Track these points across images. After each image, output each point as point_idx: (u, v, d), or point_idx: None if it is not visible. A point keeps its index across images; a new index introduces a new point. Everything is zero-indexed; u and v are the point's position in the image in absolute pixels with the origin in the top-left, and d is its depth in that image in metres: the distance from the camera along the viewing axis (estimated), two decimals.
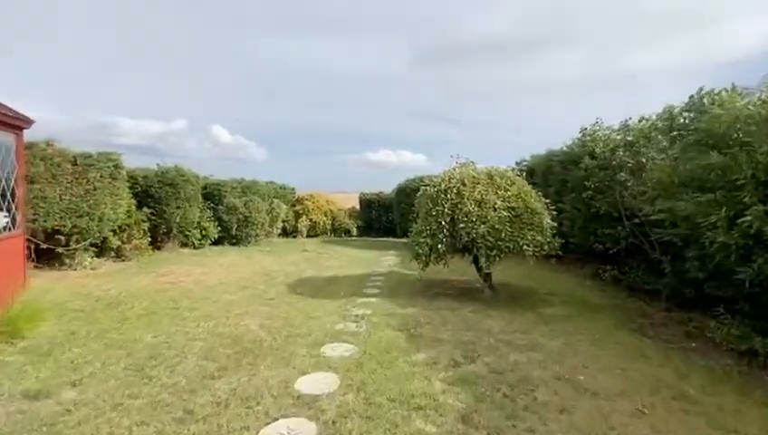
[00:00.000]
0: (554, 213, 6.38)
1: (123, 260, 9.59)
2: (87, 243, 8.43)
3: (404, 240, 13.79)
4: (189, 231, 11.97)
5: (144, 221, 10.35)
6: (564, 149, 10.08)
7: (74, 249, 8.31)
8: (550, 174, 9.93)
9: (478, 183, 6.06)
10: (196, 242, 12.37)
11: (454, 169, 6.41)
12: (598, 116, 7.71)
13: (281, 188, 16.84)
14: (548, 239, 5.95)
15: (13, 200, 5.40)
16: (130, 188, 10.32)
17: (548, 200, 6.44)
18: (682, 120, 5.28)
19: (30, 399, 2.89)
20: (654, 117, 6.37)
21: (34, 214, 7.26)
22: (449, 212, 5.85)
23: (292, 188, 17.73)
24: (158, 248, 11.33)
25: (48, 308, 5.04)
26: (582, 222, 8.29)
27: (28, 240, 6.91)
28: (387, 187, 17.65)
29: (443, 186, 6.05)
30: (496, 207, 5.76)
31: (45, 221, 7.41)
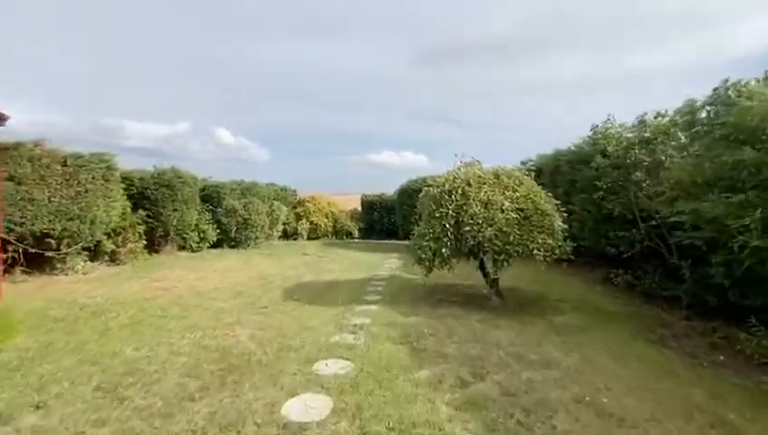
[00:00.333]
0: (564, 214, 6.01)
1: (117, 264, 9.31)
2: (78, 247, 8.15)
3: (406, 242, 13.43)
4: (187, 234, 11.69)
5: (140, 224, 10.07)
6: (572, 148, 9.73)
7: (65, 253, 8.03)
8: (557, 174, 9.56)
9: (484, 183, 5.71)
10: (194, 245, 12.09)
11: (458, 169, 6.06)
12: (609, 113, 7.37)
13: (281, 189, 16.56)
14: (559, 243, 5.59)
15: None
16: (126, 189, 10.04)
17: (558, 202, 6.08)
18: (704, 115, 4.90)
19: None
20: (671, 112, 6.01)
21: (22, 217, 6.98)
22: (454, 214, 5.50)
23: (294, 190, 17.44)
24: (156, 252, 11.05)
25: (25, 318, 4.75)
26: (593, 224, 7.93)
27: (6, 243, 6.63)
28: (389, 188, 17.35)
29: (447, 186, 5.71)
30: (504, 208, 5.41)
31: (33, 224, 7.13)
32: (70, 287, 6.85)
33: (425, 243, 5.60)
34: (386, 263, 10.00)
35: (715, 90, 4.60)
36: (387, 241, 15.77)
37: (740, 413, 2.91)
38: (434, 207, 5.69)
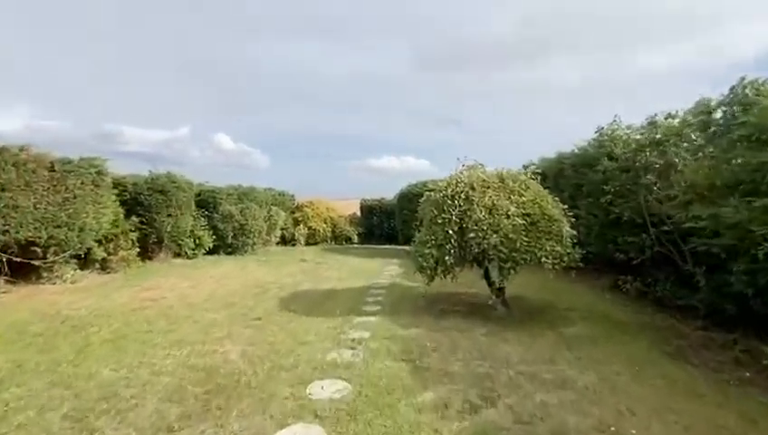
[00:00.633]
0: (572, 220, 5.74)
1: (108, 272, 9.01)
2: (66, 255, 7.85)
3: (406, 248, 13.15)
4: (182, 240, 11.39)
5: (132, 231, 9.78)
6: (575, 151, 9.50)
7: (52, 262, 7.73)
8: (561, 178, 9.30)
9: (489, 187, 5.44)
10: (190, 252, 11.78)
11: (461, 173, 5.79)
12: (615, 114, 7.13)
13: (279, 194, 16.28)
14: (568, 250, 5.31)
15: None
16: (118, 195, 9.75)
17: (565, 206, 5.81)
18: (720, 115, 4.65)
19: None
20: (681, 113, 5.76)
21: (5, 224, 6.69)
22: (457, 220, 5.23)
23: (292, 195, 17.17)
24: (149, 259, 10.75)
25: (2, 332, 4.46)
26: (599, 229, 7.65)
27: None
28: (389, 192, 17.08)
29: (449, 191, 5.44)
30: (510, 214, 5.14)
31: (18, 232, 6.83)
32: (55, 298, 6.55)
33: (426, 250, 5.32)
34: (386, 270, 9.71)
35: (732, 88, 4.35)
36: (386, 246, 15.48)
37: None
38: (436, 213, 5.41)
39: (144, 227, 10.26)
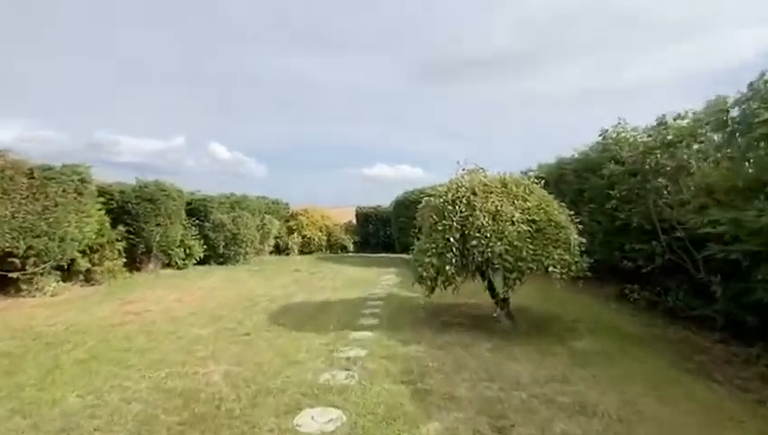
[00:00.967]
0: (579, 226, 5.45)
1: (93, 284, 8.61)
2: (47, 266, 7.45)
3: (403, 256, 12.83)
4: (172, 250, 11.00)
5: (119, 240, 9.40)
6: (576, 155, 9.28)
7: (32, 274, 7.33)
8: (562, 183, 9.04)
9: (491, 192, 5.14)
10: (180, 262, 11.39)
11: (461, 177, 5.50)
12: (620, 117, 6.90)
13: (273, 202, 15.94)
14: (576, 258, 5.01)
15: None
16: (105, 204, 9.38)
17: (571, 212, 5.53)
18: (736, 114, 4.39)
19: None
20: (690, 114, 5.53)
21: None
22: (458, 226, 4.92)
23: (286, 203, 16.83)
24: (137, 270, 10.34)
25: None
26: (604, 236, 7.38)
27: None
28: (385, 201, 16.79)
29: (450, 196, 5.13)
30: (515, 220, 4.83)
31: None
32: (32, 312, 6.16)
33: (426, 259, 4.99)
34: (382, 279, 9.36)
35: (750, 84, 4.10)
36: (383, 255, 15.13)
37: None
38: (436, 219, 5.10)
39: (132, 236, 9.88)
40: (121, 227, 9.58)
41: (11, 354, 4.16)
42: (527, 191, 5.24)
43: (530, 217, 4.91)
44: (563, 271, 4.79)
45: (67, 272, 8.34)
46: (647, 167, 5.66)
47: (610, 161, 6.64)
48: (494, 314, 5.21)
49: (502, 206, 4.94)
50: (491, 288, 5.51)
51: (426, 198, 5.66)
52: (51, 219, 7.31)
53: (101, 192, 9.46)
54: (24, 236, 6.92)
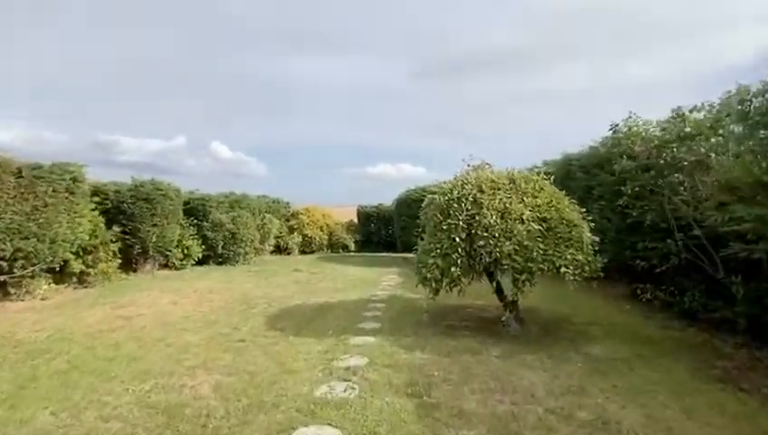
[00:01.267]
0: (592, 225, 5.16)
1: (86, 287, 8.36)
2: (36, 269, 7.20)
3: (405, 255, 12.57)
4: (169, 251, 10.75)
5: (114, 241, 9.14)
6: (583, 151, 9.01)
7: (20, 277, 7.08)
8: (569, 180, 8.74)
9: (499, 189, 4.86)
10: (178, 263, 11.16)
11: (467, 174, 5.22)
12: (630, 111, 6.60)
13: (274, 201, 15.69)
14: (589, 258, 4.73)
15: None
16: (99, 204, 9.14)
17: (583, 210, 5.24)
18: (758, 104, 4.10)
19: None
20: (707, 106, 5.23)
21: None
22: (465, 226, 4.64)
23: (287, 202, 16.57)
24: (134, 271, 10.11)
25: None
26: (615, 234, 7.09)
27: None
28: (388, 200, 16.52)
29: (455, 193, 4.85)
30: (524, 218, 4.55)
31: None
32: (18, 317, 5.90)
33: (431, 260, 4.71)
34: (384, 280, 9.09)
35: None
36: (385, 254, 14.86)
37: None
38: (441, 218, 4.82)
39: (127, 237, 9.64)
40: (116, 228, 9.32)
41: None
42: (537, 188, 4.96)
43: (540, 215, 4.63)
44: (576, 272, 4.51)
45: (60, 274, 8.10)
46: (661, 162, 5.36)
47: (621, 156, 6.34)
48: (503, 318, 4.93)
49: (510, 203, 4.66)
50: (499, 290, 5.23)
51: (429, 196, 5.38)
52: (40, 220, 7.05)
53: (95, 191, 9.20)
54: (12, 238, 6.66)
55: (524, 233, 4.45)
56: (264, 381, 3.45)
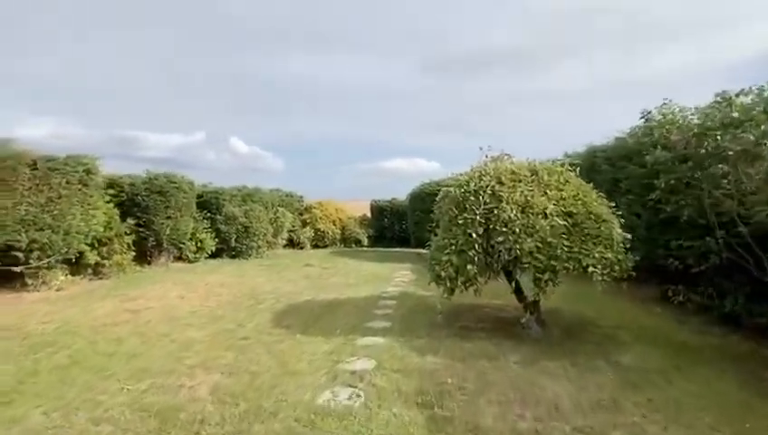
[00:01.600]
0: (622, 220, 4.75)
1: (101, 278, 8.40)
2: (51, 260, 7.23)
3: (418, 251, 12.27)
4: (183, 243, 10.76)
5: (128, 233, 9.16)
6: (609, 143, 8.49)
7: (36, 268, 7.12)
8: (594, 173, 8.22)
9: (519, 181, 4.51)
10: (191, 255, 11.18)
11: (485, 165, 4.87)
12: (665, 97, 6.09)
13: (287, 195, 15.59)
14: (619, 256, 4.33)
15: None
16: (115, 196, 9.18)
17: (612, 204, 4.83)
18: None
19: None
20: (755, 89, 4.71)
21: None
22: (482, 220, 4.31)
23: (300, 196, 16.45)
24: (148, 263, 10.15)
25: None
26: (645, 231, 6.61)
27: None
28: (401, 194, 16.19)
29: (472, 185, 4.52)
30: (548, 212, 4.19)
31: None
32: (31, 308, 5.91)
33: (445, 257, 4.41)
34: (396, 276, 8.82)
35: None
36: (398, 249, 14.59)
37: None
38: (456, 212, 4.50)
39: (142, 229, 9.66)
40: (131, 220, 9.34)
41: None
42: (561, 180, 4.58)
43: (565, 210, 4.26)
44: (605, 271, 4.13)
45: (76, 265, 8.15)
46: (702, 151, 4.87)
47: (654, 147, 5.86)
48: (522, 320, 4.59)
49: (532, 196, 4.30)
50: (518, 290, 4.89)
51: (444, 189, 5.06)
52: (55, 211, 7.07)
53: (111, 184, 9.26)
54: (27, 229, 6.69)
55: (548, 228, 4.09)
56: (265, 384, 3.24)
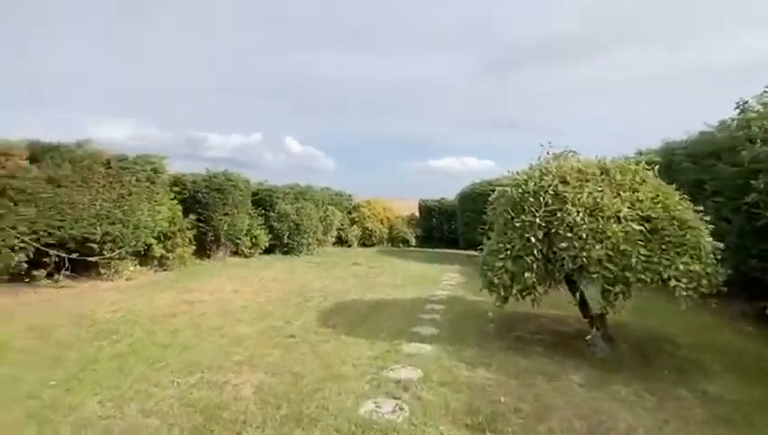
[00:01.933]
0: (711, 226, 4.10)
1: (165, 270, 9.01)
2: (122, 251, 7.84)
3: (468, 253, 11.81)
4: (239, 239, 11.29)
5: (189, 229, 9.74)
6: (691, 138, 7.54)
7: (109, 259, 7.76)
8: (673, 172, 7.31)
9: (587, 180, 4.04)
10: (246, 251, 11.69)
11: (547, 163, 4.45)
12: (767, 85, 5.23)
13: (337, 194, 15.81)
14: (708, 269, 3.73)
15: None
16: (178, 193, 9.82)
17: (699, 208, 4.18)
18: None
19: None
20: None
21: (61, 220, 6.72)
22: (543, 224, 3.92)
23: (349, 195, 16.62)
24: (207, 257, 10.75)
25: (25, 336, 4.13)
26: (736, 239, 5.73)
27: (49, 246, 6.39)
28: (451, 194, 15.74)
29: (531, 185, 4.13)
30: (621, 216, 3.71)
31: (72, 228, 6.85)
32: (102, 296, 6.41)
33: (499, 263, 4.07)
34: (445, 278, 8.51)
35: None
36: (446, 250, 14.18)
37: None
38: (512, 214, 4.15)
39: (202, 225, 10.23)
40: (192, 216, 9.92)
41: (60, 344, 4.12)
42: (638, 180, 4.04)
43: (642, 214, 3.74)
44: (690, 285, 3.56)
45: (144, 257, 8.79)
46: None
47: (752, 142, 5.05)
48: (587, 337, 4.11)
49: (602, 198, 3.83)
50: (583, 302, 4.41)
51: (499, 189, 4.70)
52: (125, 207, 7.65)
53: (175, 182, 9.89)
54: (101, 223, 7.29)
55: (620, 234, 3.61)
56: (308, 387, 3.15)
